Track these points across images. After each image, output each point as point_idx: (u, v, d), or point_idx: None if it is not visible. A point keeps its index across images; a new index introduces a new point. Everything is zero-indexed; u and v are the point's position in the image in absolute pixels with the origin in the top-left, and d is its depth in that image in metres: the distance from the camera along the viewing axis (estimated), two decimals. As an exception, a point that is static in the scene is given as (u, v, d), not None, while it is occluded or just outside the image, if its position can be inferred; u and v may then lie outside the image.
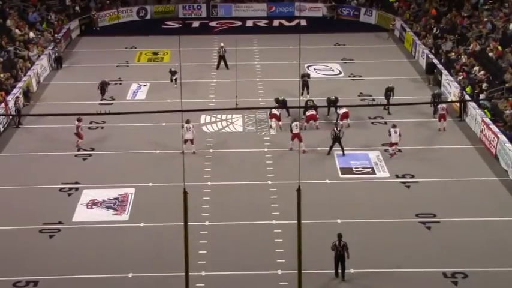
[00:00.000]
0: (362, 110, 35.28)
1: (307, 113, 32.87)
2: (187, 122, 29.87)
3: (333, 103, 34.22)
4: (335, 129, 30.67)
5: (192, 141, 30.43)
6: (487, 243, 24.28)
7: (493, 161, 30.40)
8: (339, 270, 21.96)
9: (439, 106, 33.11)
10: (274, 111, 33.29)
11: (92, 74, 41.60)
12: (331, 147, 30.78)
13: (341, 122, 32.71)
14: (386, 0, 53.93)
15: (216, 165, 30.11)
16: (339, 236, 22.03)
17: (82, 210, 26.68)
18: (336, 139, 30.56)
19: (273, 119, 33.27)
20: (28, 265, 23.07)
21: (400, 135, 30.27)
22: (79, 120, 30.79)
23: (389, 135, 30.48)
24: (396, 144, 30.43)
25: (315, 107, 33.62)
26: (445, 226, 25.44)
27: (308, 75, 37.31)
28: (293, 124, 30.56)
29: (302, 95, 35.60)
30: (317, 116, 33.00)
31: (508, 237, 24.54)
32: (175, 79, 37.91)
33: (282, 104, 34.12)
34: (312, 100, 34.99)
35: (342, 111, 33.19)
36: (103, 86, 37.37)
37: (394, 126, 30.60)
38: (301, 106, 34.43)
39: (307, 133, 31.72)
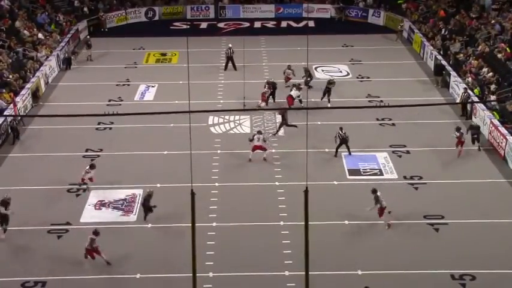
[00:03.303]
0: (370, 111, 35.23)
1: (253, 144, 30.56)
2: (259, 132, 30.53)
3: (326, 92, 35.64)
4: (340, 132, 30.63)
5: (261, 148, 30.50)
6: (495, 245, 24.22)
7: (501, 162, 30.33)
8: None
9: (463, 134, 30.87)
10: (264, 90, 36.01)
11: (100, 75, 41.82)
12: (337, 149, 30.80)
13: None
14: (394, 1, 53.88)
15: (223, 166, 30.13)
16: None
17: (90, 211, 26.76)
18: (343, 141, 30.56)
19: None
20: (36, 266, 23.16)
21: (264, 141, 30.37)
22: (92, 167, 28.13)
23: (251, 140, 30.41)
24: (262, 148, 30.29)
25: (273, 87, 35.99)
26: (453, 228, 25.39)
27: (334, 83, 36.70)
28: (255, 136, 30.37)
29: (322, 99, 35.60)
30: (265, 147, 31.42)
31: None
32: None
33: (271, 85, 36.22)
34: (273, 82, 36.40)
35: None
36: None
37: (259, 132, 30.69)
38: (300, 108, 34.67)
39: (313, 133, 31.58)
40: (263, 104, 36.04)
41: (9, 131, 32.86)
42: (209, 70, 41.92)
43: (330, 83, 36.22)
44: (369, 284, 22.17)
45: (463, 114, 34.99)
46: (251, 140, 30.33)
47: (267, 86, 36.38)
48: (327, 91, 35.85)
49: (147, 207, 25.50)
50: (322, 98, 35.66)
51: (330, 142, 31.26)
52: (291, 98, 34.58)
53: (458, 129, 30.74)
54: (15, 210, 26.20)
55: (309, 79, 37.89)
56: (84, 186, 27.94)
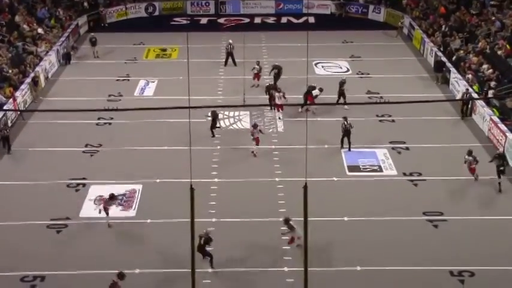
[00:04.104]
0: (370, 107, 35.21)
1: (255, 136, 30.74)
2: (280, 90, 32.53)
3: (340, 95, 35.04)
4: (345, 122, 30.73)
5: (281, 107, 32.54)
6: (494, 241, 24.24)
7: (500, 159, 30.33)
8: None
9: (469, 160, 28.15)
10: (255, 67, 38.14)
11: (100, 70, 41.81)
12: (342, 141, 30.94)
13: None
14: (395, -3, 53.87)
15: (223, 161, 30.12)
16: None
17: (89, 206, 26.72)
18: (346, 132, 30.68)
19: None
20: (35, 260, 23.15)
21: (260, 131, 30.68)
22: (112, 198, 25.60)
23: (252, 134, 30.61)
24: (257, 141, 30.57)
25: (273, 89, 34.83)
26: (452, 224, 25.41)
27: (345, 82, 36.08)
28: (253, 130, 30.64)
29: (337, 102, 34.93)
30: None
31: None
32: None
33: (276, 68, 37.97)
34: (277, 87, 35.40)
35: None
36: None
37: (255, 126, 30.86)
38: (299, 103, 34.62)
39: (313, 130, 31.59)
40: (256, 82, 37.80)
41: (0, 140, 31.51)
42: (209, 66, 41.91)
43: (343, 83, 35.68)
44: (368, 279, 22.20)
45: (463, 114, 34.69)
46: (253, 134, 30.42)
47: (256, 66, 38.28)
48: (341, 93, 35.27)
49: (206, 252, 22.75)
50: (337, 101, 34.90)
51: (329, 138, 31.31)
52: (311, 97, 34.37)
53: (469, 153, 28.02)
54: (15, 205, 26.24)
55: (276, 74, 37.95)
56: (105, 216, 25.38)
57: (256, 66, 38.48)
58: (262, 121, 33.91)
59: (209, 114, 32.71)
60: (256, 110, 35.25)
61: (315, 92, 34.71)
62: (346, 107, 34.17)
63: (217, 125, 32.82)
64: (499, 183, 27.53)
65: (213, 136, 32.33)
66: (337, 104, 34.54)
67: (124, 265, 22.78)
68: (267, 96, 35.05)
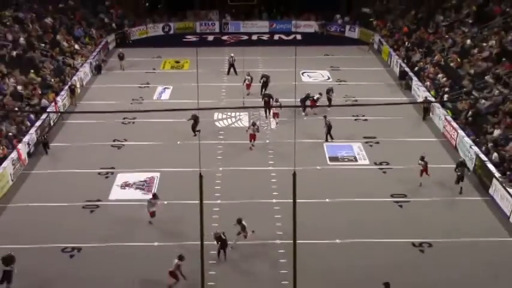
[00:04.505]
0: (347, 108, 35.09)
1: (249, 133, 30.43)
2: (276, 100, 32.19)
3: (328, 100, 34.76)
4: (325, 120, 31.06)
5: (277, 115, 32.23)
6: (447, 218, 24.23)
7: (453, 151, 30.29)
8: None
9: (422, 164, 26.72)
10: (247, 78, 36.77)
11: (125, 79, 41.68)
12: (326, 135, 31.00)
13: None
14: (366, 19, 53.66)
15: (226, 154, 30.01)
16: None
17: (117, 190, 26.66)
18: (329, 127, 30.85)
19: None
20: (73, 235, 23.11)
21: (258, 131, 30.18)
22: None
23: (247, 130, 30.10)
24: (254, 137, 30.18)
25: (269, 98, 34.01)
26: (414, 204, 25.37)
27: (332, 90, 35.78)
28: (250, 128, 30.34)
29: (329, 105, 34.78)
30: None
31: (464, 213, 24.44)
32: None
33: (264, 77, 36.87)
34: (269, 95, 34.47)
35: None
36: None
37: (253, 124, 30.51)
38: (297, 105, 34.40)
39: (300, 127, 31.46)
40: (248, 91, 36.73)
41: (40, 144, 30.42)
42: (215, 75, 41.70)
43: (330, 91, 35.40)
44: (345, 250, 22.14)
45: (424, 118, 34.17)
46: (247, 131, 30.25)
47: (248, 77, 37.23)
48: (329, 100, 35.08)
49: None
50: (329, 105, 34.71)
51: (314, 134, 31.22)
52: (313, 102, 34.26)
53: (422, 158, 26.82)
54: (56, 190, 26.12)
55: (264, 82, 37.02)
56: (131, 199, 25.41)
57: (248, 77, 37.66)
58: (259, 120, 33.74)
59: (190, 116, 31.16)
60: (253, 111, 35.09)
61: (317, 96, 34.64)
62: (328, 109, 34.10)
63: (197, 128, 31.07)
64: (461, 187, 26.07)
65: (195, 135, 30.85)
66: (330, 106, 34.45)
67: (145, 238, 22.78)
68: (264, 102, 34.35)
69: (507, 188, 24.74)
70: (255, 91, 37.30)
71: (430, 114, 34.34)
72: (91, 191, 26.42)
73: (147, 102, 37.14)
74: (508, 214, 24.19)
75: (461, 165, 26.48)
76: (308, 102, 34.42)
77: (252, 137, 30.33)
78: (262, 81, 37.58)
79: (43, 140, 30.39)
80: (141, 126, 33.45)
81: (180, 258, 20.04)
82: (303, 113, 34.70)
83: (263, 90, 36.84)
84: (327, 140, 30.96)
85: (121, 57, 43.87)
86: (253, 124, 30.59)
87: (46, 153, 30.05)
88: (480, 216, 24.58)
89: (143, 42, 52.05)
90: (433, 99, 35.34)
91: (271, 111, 33.23)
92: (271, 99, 34.07)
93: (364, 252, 22.07)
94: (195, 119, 31.05)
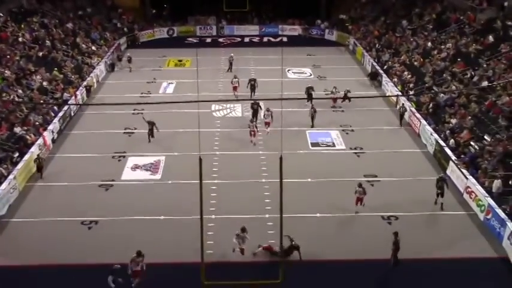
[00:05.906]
0: (326, 101, 35.01)
1: (250, 130, 28.95)
2: (268, 110, 29.49)
3: (309, 96, 33.66)
4: (311, 109, 31.15)
5: (268, 124, 29.38)
6: (411, 195, 24.22)
7: (416, 138, 30.31)
8: None
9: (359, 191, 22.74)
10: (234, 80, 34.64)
11: (135, 76, 41.40)
12: (312, 121, 31.09)
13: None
14: (343, 24, 53.50)
15: (222, 140, 29.88)
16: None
17: (128, 172, 26.52)
18: (312, 116, 30.94)
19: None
20: (91, 210, 22.99)
21: (256, 127, 28.67)
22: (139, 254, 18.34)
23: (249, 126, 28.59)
24: (254, 133, 29.02)
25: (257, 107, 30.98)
26: (384, 183, 25.38)
27: (312, 87, 34.47)
28: (250, 125, 29.07)
29: (308, 102, 32.99)
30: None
31: (424, 192, 24.43)
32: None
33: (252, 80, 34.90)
34: (257, 103, 31.09)
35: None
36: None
37: (252, 121, 29.14)
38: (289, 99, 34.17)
39: (285, 117, 31.26)
40: (236, 93, 34.75)
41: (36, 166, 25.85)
42: (212, 72, 41.47)
43: (310, 88, 34.35)
44: (322, 222, 22.14)
45: (401, 124, 31.63)
46: (249, 127, 29.30)
47: (235, 79, 34.93)
48: (309, 95, 33.48)
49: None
50: (308, 101, 32.99)
51: (298, 123, 31.13)
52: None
53: (359, 185, 22.62)
54: (74, 171, 25.89)
55: (252, 85, 34.92)
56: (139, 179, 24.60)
57: (235, 79, 35.55)
58: (250, 110, 33.58)
59: (147, 121, 29.37)
60: (246, 103, 34.87)
61: (338, 91, 34.13)
62: (307, 103, 33.05)
63: (153, 133, 29.10)
64: (442, 203, 22.94)
65: (150, 142, 28.96)
66: (307, 103, 33.31)
67: (153, 213, 22.70)
68: (252, 110, 31.21)
69: (461, 169, 24.86)
70: (242, 91, 35.76)
71: (397, 105, 34.24)
72: (106, 172, 26.28)
73: (154, 96, 36.87)
74: (462, 191, 24.26)
75: (440, 180, 22.96)
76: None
77: (254, 133, 28.93)
78: (249, 85, 35.24)
79: (38, 164, 25.75)
80: (148, 116, 33.13)
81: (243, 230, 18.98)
82: (307, 103, 32.90)
83: (252, 94, 34.89)
84: (312, 126, 30.86)
85: (129, 60, 43.42)
86: (268, 110, 29.89)
87: (41, 178, 25.55)
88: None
89: (150, 44, 51.59)
90: (400, 93, 35.31)
91: (264, 121, 30.27)
92: (259, 108, 31.02)
93: (340, 225, 22.10)
94: (152, 124, 29.07)
